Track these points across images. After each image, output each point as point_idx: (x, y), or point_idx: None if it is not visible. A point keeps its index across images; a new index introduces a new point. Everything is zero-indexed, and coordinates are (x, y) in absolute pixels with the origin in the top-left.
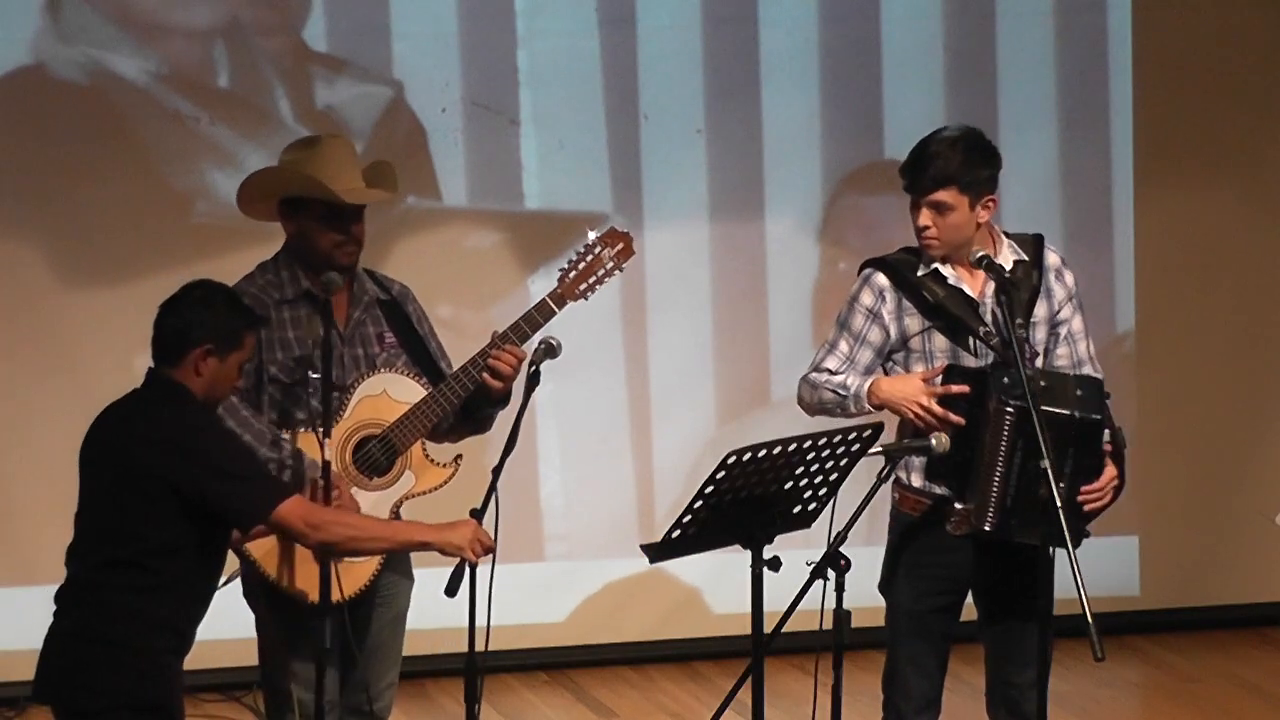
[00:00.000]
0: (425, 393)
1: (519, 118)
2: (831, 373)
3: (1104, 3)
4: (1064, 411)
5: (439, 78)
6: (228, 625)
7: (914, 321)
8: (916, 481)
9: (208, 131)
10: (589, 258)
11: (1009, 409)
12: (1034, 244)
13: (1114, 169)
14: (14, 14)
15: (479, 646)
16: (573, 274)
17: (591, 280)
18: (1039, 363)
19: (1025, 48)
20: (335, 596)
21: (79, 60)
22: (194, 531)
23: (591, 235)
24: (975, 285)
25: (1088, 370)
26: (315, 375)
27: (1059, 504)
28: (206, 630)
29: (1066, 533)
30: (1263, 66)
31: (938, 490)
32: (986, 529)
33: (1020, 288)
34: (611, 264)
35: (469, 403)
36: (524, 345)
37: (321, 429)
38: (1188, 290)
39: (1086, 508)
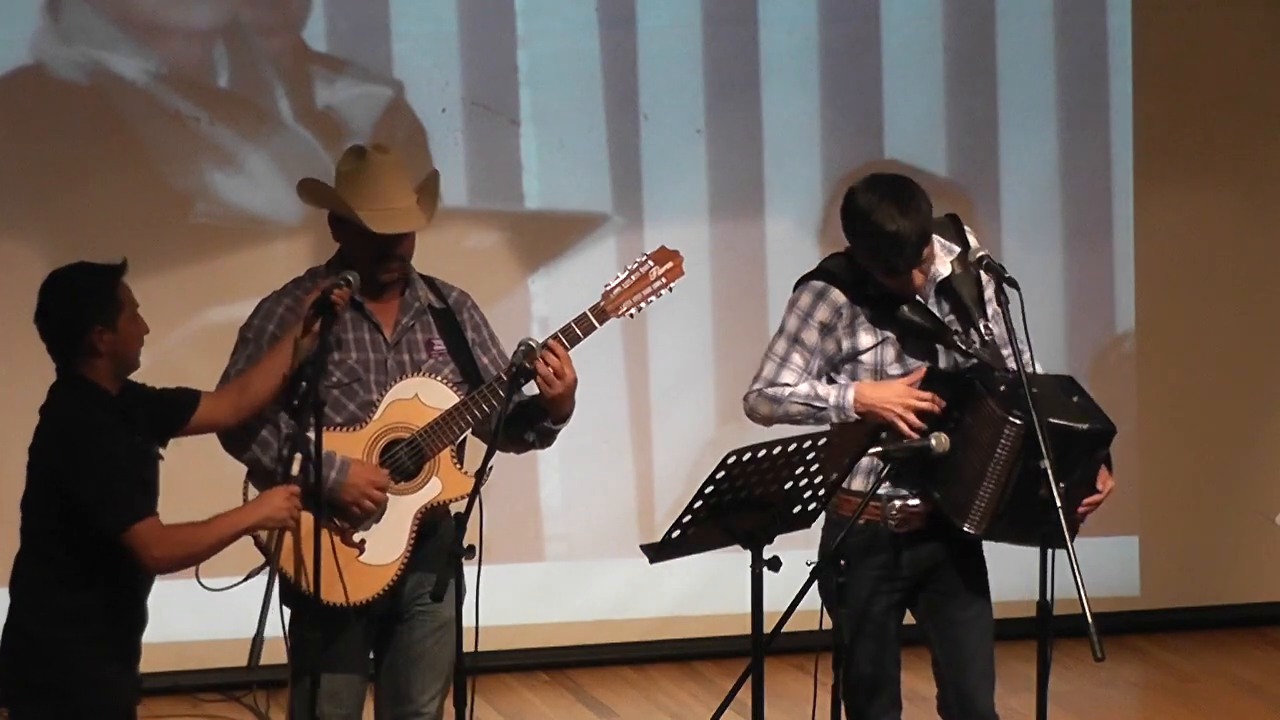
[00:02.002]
0: (458, 400)
1: (519, 118)
2: (792, 387)
3: (1104, 3)
4: (1076, 425)
5: (439, 78)
6: (228, 625)
7: (868, 336)
8: (858, 485)
9: (208, 131)
10: (636, 275)
11: (1016, 421)
12: (955, 231)
13: (1114, 169)
14: (14, 14)
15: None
16: (617, 290)
17: (636, 298)
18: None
19: (1025, 48)
20: (340, 600)
21: (79, 60)
22: (85, 527)
23: (643, 254)
24: (917, 285)
25: (1020, 345)
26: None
27: (1060, 509)
28: (207, 630)
29: (1069, 543)
30: (1263, 66)
31: (880, 491)
32: (968, 529)
33: (964, 283)
34: (659, 283)
35: (530, 417)
36: None
37: (311, 447)
38: (1188, 290)
39: (1080, 511)
